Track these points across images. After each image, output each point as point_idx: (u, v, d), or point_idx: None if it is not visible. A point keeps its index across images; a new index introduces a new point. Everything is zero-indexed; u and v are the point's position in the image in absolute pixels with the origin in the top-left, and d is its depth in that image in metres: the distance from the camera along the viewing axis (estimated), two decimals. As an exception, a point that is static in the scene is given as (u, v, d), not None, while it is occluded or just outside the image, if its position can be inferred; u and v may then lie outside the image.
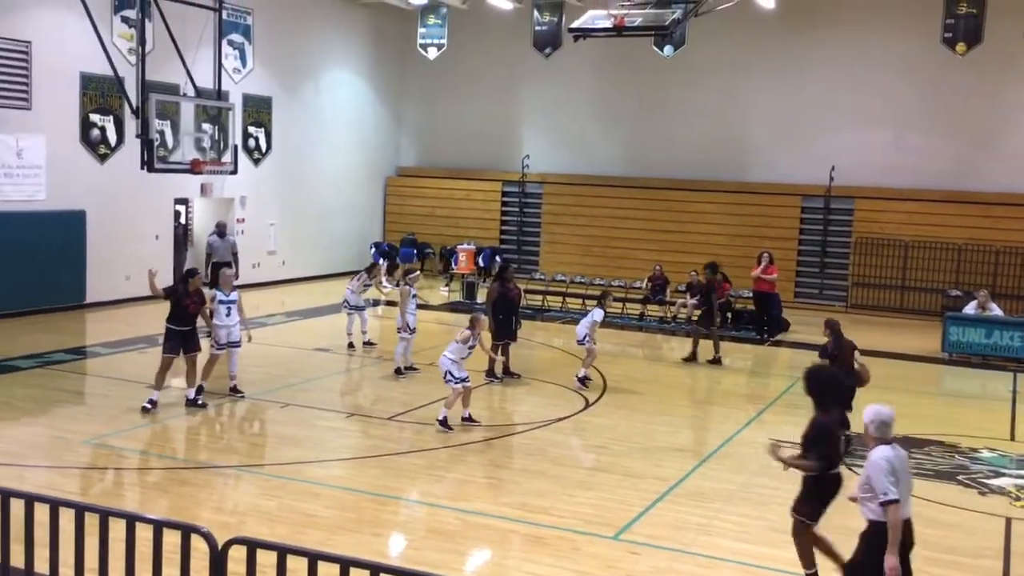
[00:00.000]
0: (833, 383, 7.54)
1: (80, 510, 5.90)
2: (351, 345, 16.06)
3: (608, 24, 14.94)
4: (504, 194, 26.99)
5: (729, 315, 20.57)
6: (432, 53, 24.54)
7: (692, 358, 16.35)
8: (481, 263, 25.01)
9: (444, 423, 11.44)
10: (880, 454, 6.21)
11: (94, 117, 19.10)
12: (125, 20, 19.16)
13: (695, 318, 17.43)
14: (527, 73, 26.13)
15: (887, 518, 6.05)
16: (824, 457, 7.17)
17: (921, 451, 11.41)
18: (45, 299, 18.21)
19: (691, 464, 10.59)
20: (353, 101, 26.56)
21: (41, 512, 5.95)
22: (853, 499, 6.43)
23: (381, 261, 25.26)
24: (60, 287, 18.49)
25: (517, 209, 26.80)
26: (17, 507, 5.99)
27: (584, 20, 15.38)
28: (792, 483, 10.00)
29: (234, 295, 12.72)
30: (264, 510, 8.72)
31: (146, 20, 16.50)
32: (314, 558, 5.24)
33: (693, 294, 20.57)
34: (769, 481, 10.10)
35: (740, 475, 10.31)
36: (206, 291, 12.59)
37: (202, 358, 12.42)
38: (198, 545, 5.51)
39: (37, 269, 17.86)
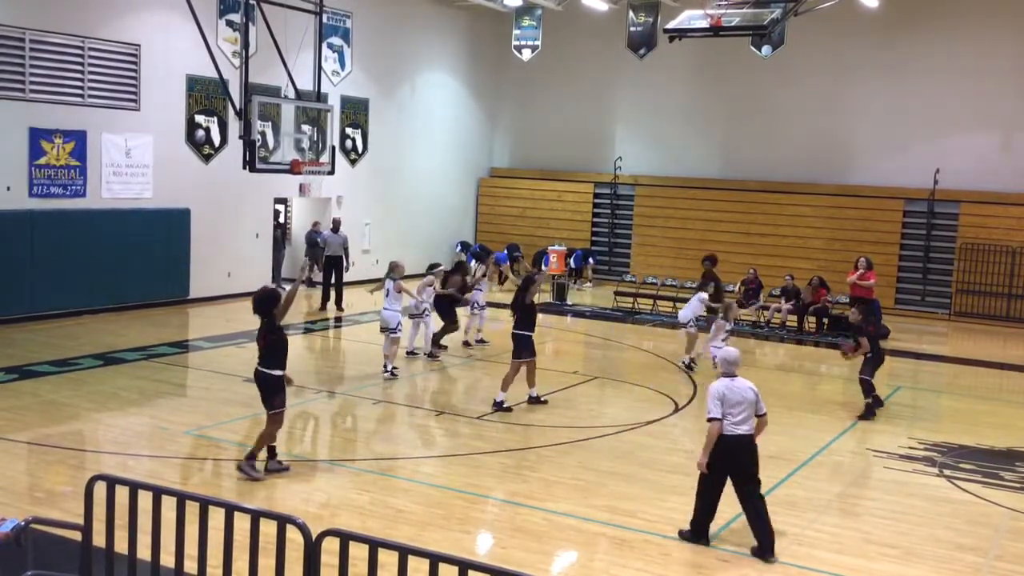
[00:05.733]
0: (266, 297, 9.47)
1: (181, 498, 6.08)
2: (466, 343, 16.45)
3: (705, 24, 14.74)
4: (596, 196, 26.91)
5: (825, 321, 20.13)
6: (526, 54, 24.61)
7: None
8: (572, 264, 24.98)
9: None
10: (714, 384, 8.14)
11: (199, 118, 19.72)
12: (230, 24, 19.74)
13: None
14: (621, 74, 26.01)
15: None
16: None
17: (1027, 466, 10.99)
18: (151, 294, 18.88)
19: (784, 472, 10.39)
20: (448, 102, 26.83)
21: (144, 499, 6.16)
22: None
23: (474, 263, 25.50)
24: (165, 282, 19.14)
25: (609, 211, 26.70)
26: (122, 494, 6.21)
27: (680, 20, 15.21)
28: (890, 494, 9.76)
29: (389, 284, 14.19)
30: (356, 504, 8.88)
31: (250, 24, 16.99)
32: (405, 552, 5.30)
33: (788, 299, 20.24)
34: (866, 492, 9.87)
35: (835, 485, 10.07)
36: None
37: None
38: (293, 536, 5.64)
39: (143, 265, 18.53)
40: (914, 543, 8.50)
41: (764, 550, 7.94)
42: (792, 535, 8.54)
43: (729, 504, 9.17)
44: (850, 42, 23.41)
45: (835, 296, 20.41)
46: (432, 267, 15.98)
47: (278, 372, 9.44)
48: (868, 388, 13.01)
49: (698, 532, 8.20)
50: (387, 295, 14.24)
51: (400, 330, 14.19)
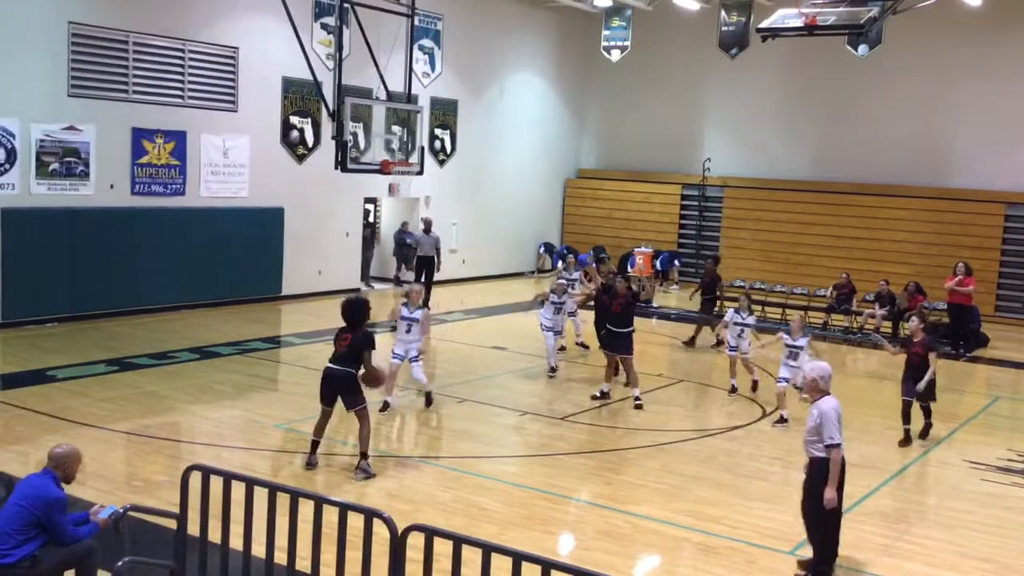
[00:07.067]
0: (355, 307, 9.62)
1: (272, 490, 6.24)
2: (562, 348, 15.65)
3: (799, 23, 14.47)
4: (684, 197, 26.65)
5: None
6: (615, 55, 24.51)
7: (691, 343, 17.51)
8: (659, 266, 24.81)
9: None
10: (831, 404, 7.33)
11: (293, 119, 20.17)
12: (324, 27, 20.14)
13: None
14: (711, 74, 25.70)
15: (831, 457, 7.21)
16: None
17: None
18: (245, 290, 19.38)
19: (876, 482, 10.14)
20: (536, 103, 26.88)
21: (237, 490, 6.34)
22: None
23: (560, 263, 25.52)
24: (259, 279, 19.63)
25: (696, 213, 26.41)
26: (216, 484, 6.40)
27: (774, 19, 14.97)
28: (986, 507, 9.44)
29: (418, 313, 12.10)
30: (440, 501, 8.97)
31: (344, 26, 17.29)
32: (488, 550, 5.35)
33: (883, 304, 19.71)
34: (960, 504, 9.57)
35: (929, 496, 9.80)
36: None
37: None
38: (379, 530, 5.73)
39: (239, 262, 19.04)
40: (1011, 558, 8.22)
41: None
42: (883, 546, 8.34)
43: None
44: (950, 41, 22.69)
45: (932, 302, 19.81)
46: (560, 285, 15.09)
47: (354, 370, 9.54)
48: (908, 412, 11.71)
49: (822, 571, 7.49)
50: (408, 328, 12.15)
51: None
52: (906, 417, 11.62)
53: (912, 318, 12.16)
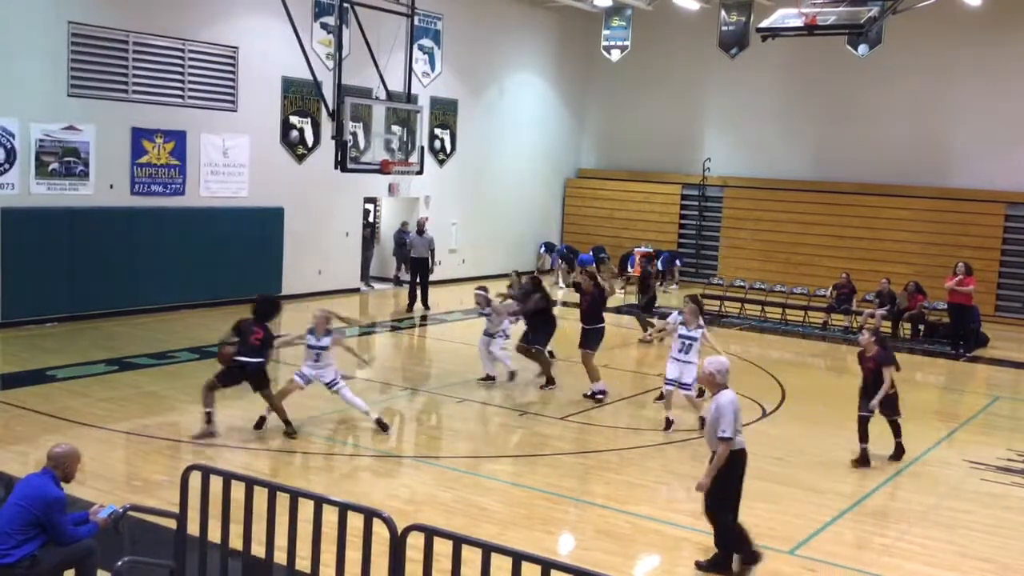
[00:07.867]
0: (268, 304, 11.13)
1: (272, 490, 6.24)
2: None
3: (799, 23, 14.48)
4: (684, 197, 26.64)
5: (921, 327, 19.56)
6: (615, 55, 24.50)
7: (650, 340, 17.23)
8: (659, 267, 24.79)
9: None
10: (729, 398, 7.39)
11: (293, 119, 20.16)
12: (324, 27, 20.13)
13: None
14: (711, 74, 25.69)
15: (718, 450, 7.35)
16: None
17: None
18: (245, 290, 19.28)
19: (875, 482, 10.14)
20: (536, 103, 26.87)
21: (237, 490, 6.34)
22: None
23: (560, 263, 25.54)
24: (259, 279, 19.56)
25: (696, 213, 26.40)
26: (216, 484, 6.40)
27: (774, 19, 14.97)
28: (986, 507, 9.44)
29: (326, 340, 10.90)
30: (440, 501, 8.97)
31: (343, 26, 17.29)
32: (488, 549, 5.35)
33: (883, 303, 19.70)
34: (960, 504, 9.57)
35: (928, 496, 9.79)
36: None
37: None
38: (379, 530, 5.73)
39: (239, 262, 19.02)
40: (1011, 558, 8.22)
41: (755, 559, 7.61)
42: (882, 546, 8.34)
43: (816, 510, 9.00)
44: (950, 41, 22.68)
45: (932, 302, 19.81)
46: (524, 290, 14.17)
47: (265, 360, 10.66)
48: (863, 430, 10.72)
49: (750, 555, 7.57)
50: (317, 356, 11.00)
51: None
52: (863, 435, 10.57)
53: (864, 331, 11.13)
